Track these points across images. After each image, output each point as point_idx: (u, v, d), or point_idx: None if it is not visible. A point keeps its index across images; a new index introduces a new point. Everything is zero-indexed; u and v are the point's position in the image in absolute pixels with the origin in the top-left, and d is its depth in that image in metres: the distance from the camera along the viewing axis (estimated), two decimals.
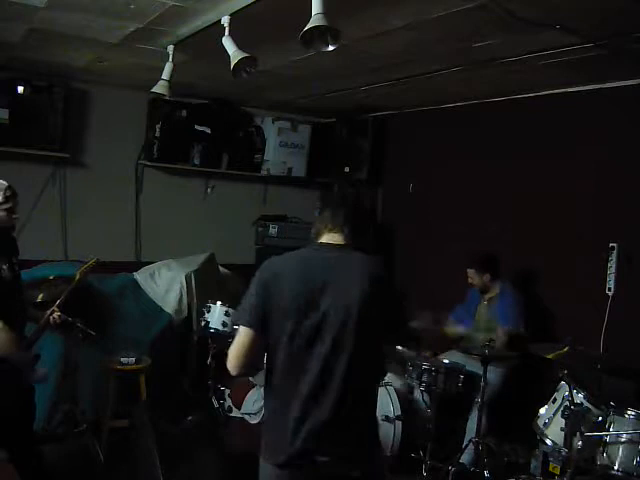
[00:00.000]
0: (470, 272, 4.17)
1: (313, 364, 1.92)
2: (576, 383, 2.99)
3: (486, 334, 4.06)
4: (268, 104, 5.65)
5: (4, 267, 2.87)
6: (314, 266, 2.01)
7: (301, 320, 1.92)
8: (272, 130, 5.74)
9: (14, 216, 2.94)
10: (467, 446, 3.75)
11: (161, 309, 4.73)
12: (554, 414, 3.06)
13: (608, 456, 2.81)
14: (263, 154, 5.80)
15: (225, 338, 4.33)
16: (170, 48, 3.46)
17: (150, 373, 4.14)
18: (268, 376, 2.02)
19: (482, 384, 3.65)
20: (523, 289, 4.20)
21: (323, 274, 1.98)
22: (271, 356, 1.99)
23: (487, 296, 4.22)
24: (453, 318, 4.39)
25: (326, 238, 2.10)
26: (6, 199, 2.85)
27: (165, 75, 3.47)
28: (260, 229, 5.86)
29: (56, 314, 3.13)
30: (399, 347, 3.84)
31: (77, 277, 3.35)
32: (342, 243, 2.08)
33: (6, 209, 2.87)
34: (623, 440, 2.80)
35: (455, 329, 4.33)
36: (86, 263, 3.46)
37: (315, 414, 1.91)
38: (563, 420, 2.91)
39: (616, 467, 2.78)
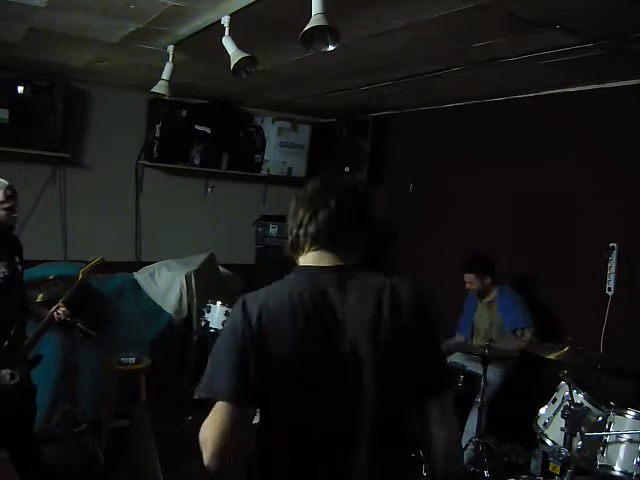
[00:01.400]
0: (469, 277, 4.13)
1: (326, 432, 1.41)
2: (576, 383, 2.99)
3: (485, 336, 4.06)
4: (268, 104, 5.65)
5: (2, 264, 2.87)
6: (305, 308, 1.40)
7: (306, 383, 1.39)
8: (272, 130, 5.75)
9: (14, 215, 2.94)
10: (467, 446, 3.75)
11: (161, 309, 4.74)
12: (554, 414, 3.06)
13: (608, 456, 2.81)
14: (263, 154, 5.80)
15: None
16: (170, 48, 3.45)
17: (150, 373, 4.14)
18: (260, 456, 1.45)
19: (482, 384, 3.65)
20: (523, 289, 4.20)
21: (321, 322, 1.40)
22: (263, 431, 1.43)
23: (486, 299, 4.21)
24: (460, 331, 4.38)
25: (311, 258, 1.49)
26: (6, 198, 2.86)
27: (165, 75, 3.47)
28: (260, 229, 5.86)
29: (61, 310, 3.13)
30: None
31: (80, 276, 3.35)
32: (341, 264, 1.49)
33: (6, 208, 2.87)
34: (623, 440, 2.80)
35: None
36: (89, 262, 3.45)
37: None
38: (563, 420, 2.91)
39: (616, 467, 2.78)
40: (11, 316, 2.89)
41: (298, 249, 1.51)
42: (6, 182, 2.89)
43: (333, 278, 1.46)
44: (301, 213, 1.50)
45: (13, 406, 2.87)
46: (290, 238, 1.52)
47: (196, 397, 1.42)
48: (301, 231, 1.49)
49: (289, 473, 1.41)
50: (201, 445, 1.38)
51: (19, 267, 3.01)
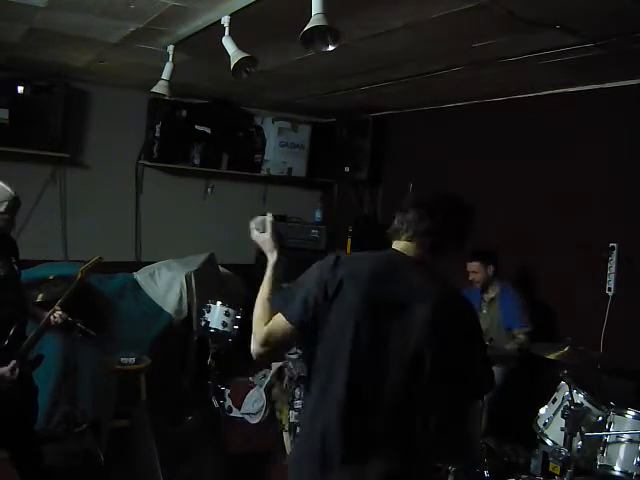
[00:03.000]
0: (474, 265, 4.13)
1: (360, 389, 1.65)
2: (576, 383, 2.99)
3: (487, 336, 4.06)
4: (268, 104, 5.65)
5: None
6: (386, 282, 1.69)
7: (362, 339, 1.64)
8: (272, 130, 5.75)
9: (11, 224, 2.95)
10: None
11: (161, 309, 4.73)
12: (554, 414, 3.06)
13: (608, 456, 2.81)
14: (263, 154, 5.81)
15: (225, 338, 4.35)
16: (170, 48, 3.46)
17: (150, 373, 4.14)
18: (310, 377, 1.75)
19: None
20: (523, 289, 4.20)
21: (394, 295, 1.68)
22: (315, 362, 1.71)
23: (487, 297, 4.21)
24: None
25: (404, 246, 1.78)
26: (7, 210, 2.85)
27: (165, 75, 3.47)
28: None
29: (57, 313, 3.12)
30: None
31: (79, 276, 3.35)
32: (423, 260, 1.77)
33: (6, 219, 2.88)
34: (623, 440, 2.80)
35: None
36: (88, 261, 3.45)
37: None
38: (563, 420, 2.91)
39: (616, 467, 2.78)
40: (10, 316, 2.89)
41: (397, 235, 1.80)
42: (13, 193, 2.88)
43: (409, 266, 1.74)
44: (412, 213, 1.79)
45: (14, 406, 2.87)
46: (395, 226, 1.81)
47: (272, 305, 1.73)
48: (405, 226, 1.78)
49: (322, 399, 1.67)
50: (257, 340, 1.70)
51: (15, 267, 3.01)
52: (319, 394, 1.69)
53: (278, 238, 1.86)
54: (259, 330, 1.70)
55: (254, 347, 1.70)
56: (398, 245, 1.79)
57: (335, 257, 1.72)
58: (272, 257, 1.86)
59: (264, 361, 1.67)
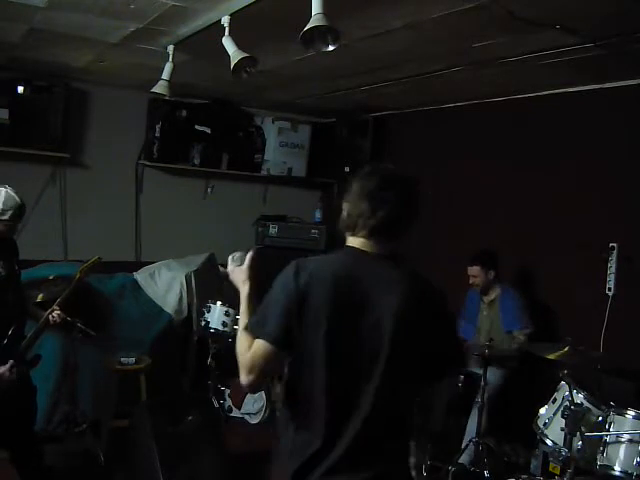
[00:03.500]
0: (474, 270, 4.12)
1: (341, 392, 1.64)
2: (576, 383, 2.99)
3: (486, 337, 4.06)
4: (268, 104, 5.65)
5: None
6: (351, 280, 1.66)
7: (335, 341, 1.62)
8: (272, 130, 5.74)
9: (13, 230, 2.96)
10: (467, 446, 3.75)
11: (161, 309, 4.73)
12: (554, 414, 3.06)
13: (608, 456, 2.81)
14: (263, 154, 5.80)
15: (225, 338, 4.34)
16: (170, 48, 3.46)
17: (150, 373, 4.14)
18: (292, 397, 1.72)
19: (482, 384, 3.65)
20: (523, 289, 4.20)
21: (361, 291, 1.65)
22: (293, 373, 1.70)
23: (487, 298, 4.21)
24: (460, 327, 4.38)
25: (362, 243, 1.73)
26: (12, 218, 2.87)
27: (165, 75, 3.47)
28: (260, 229, 5.85)
29: (55, 313, 3.13)
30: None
31: (78, 275, 3.35)
32: (383, 253, 1.73)
33: (7, 225, 2.89)
34: (623, 440, 2.80)
35: None
36: (87, 261, 3.46)
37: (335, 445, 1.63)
38: (563, 420, 2.91)
39: (616, 467, 2.78)
40: (9, 315, 2.89)
41: (350, 230, 1.75)
42: (19, 201, 2.89)
43: (371, 262, 1.70)
44: (364, 206, 1.70)
45: (13, 406, 2.87)
46: (346, 220, 1.75)
47: (249, 332, 1.69)
48: (360, 221, 1.71)
49: (303, 410, 1.66)
50: (243, 369, 1.66)
51: (16, 268, 3.02)
52: (302, 404, 1.67)
53: (257, 271, 1.82)
54: (242, 359, 1.66)
55: (242, 378, 1.66)
56: (355, 242, 1.74)
57: (295, 265, 1.67)
58: (244, 289, 1.83)
59: (256, 389, 1.57)
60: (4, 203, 2.81)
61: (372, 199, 1.69)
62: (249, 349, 1.65)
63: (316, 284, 1.63)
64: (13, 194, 2.86)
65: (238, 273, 1.84)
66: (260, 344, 1.63)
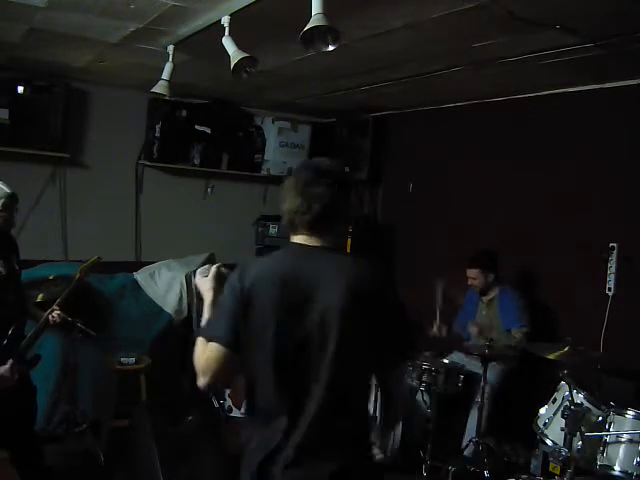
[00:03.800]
0: (473, 272, 4.13)
1: (294, 386, 1.69)
2: (576, 383, 3.00)
3: (485, 335, 4.07)
4: (268, 104, 5.65)
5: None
6: (295, 275, 1.71)
7: (283, 338, 1.67)
8: (272, 130, 5.74)
9: (11, 222, 2.95)
10: (467, 446, 3.75)
11: (161, 309, 4.73)
12: (554, 414, 3.06)
13: (608, 456, 2.82)
14: (263, 154, 5.80)
15: None
16: (170, 48, 3.46)
17: (150, 373, 4.14)
18: (250, 393, 1.77)
19: (482, 384, 3.66)
20: (523, 289, 4.20)
21: (306, 285, 1.69)
22: (248, 374, 1.75)
23: (486, 298, 4.21)
24: (458, 323, 4.38)
25: (304, 238, 1.78)
26: (4, 207, 2.86)
27: (165, 75, 3.47)
28: (260, 229, 5.86)
29: (55, 313, 3.13)
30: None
31: (78, 275, 3.35)
32: (325, 245, 1.77)
33: (3, 217, 2.88)
34: (623, 440, 2.80)
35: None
36: (87, 261, 3.46)
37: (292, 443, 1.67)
38: (563, 420, 2.91)
39: (616, 467, 2.79)
40: (9, 315, 2.89)
41: (292, 229, 1.80)
42: (8, 190, 2.89)
43: (314, 256, 1.75)
44: (298, 202, 1.74)
45: (13, 406, 2.87)
46: (287, 218, 1.79)
47: (196, 335, 1.76)
48: (297, 216, 1.75)
49: (262, 408, 1.73)
50: (199, 373, 1.72)
51: (16, 267, 3.02)
52: (259, 401, 1.73)
53: (221, 282, 1.87)
54: (197, 363, 1.73)
55: (198, 380, 1.73)
56: (297, 238, 1.78)
57: (240, 268, 1.74)
58: (207, 297, 1.89)
59: (211, 390, 1.66)
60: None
61: (305, 194, 1.73)
62: (204, 353, 1.72)
63: (260, 284, 1.69)
64: (1, 185, 2.87)
65: (203, 283, 1.93)
66: (212, 347, 1.70)
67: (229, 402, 4.65)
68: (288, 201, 1.76)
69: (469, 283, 4.18)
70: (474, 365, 3.90)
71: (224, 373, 1.72)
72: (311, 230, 1.75)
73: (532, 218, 4.36)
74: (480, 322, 4.22)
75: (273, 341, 1.66)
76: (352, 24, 2.90)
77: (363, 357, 1.74)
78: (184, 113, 5.33)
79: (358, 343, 1.71)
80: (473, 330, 4.16)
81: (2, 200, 2.84)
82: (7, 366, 2.76)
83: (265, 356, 1.67)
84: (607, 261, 3.83)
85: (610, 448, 2.83)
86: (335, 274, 1.72)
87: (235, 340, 1.69)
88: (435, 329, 4.20)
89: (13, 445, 3.00)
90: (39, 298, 3.64)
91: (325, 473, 1.66)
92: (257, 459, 1.69)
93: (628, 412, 2.85)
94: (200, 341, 1.75)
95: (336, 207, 1.75)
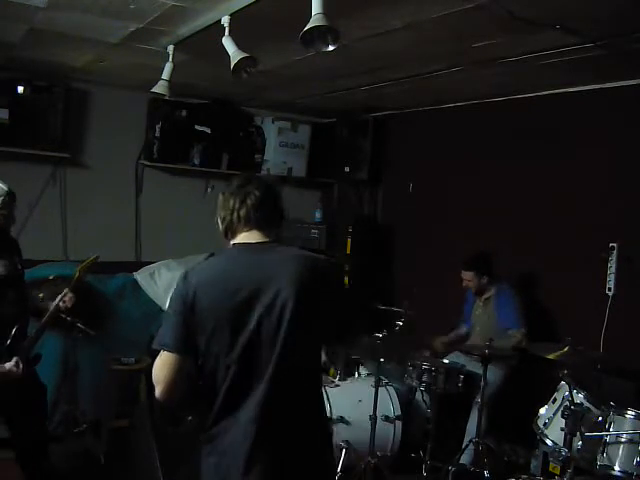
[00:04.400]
0: (468, 275, 4.15)
1: (249, 384, 1.72)
2: (576, 383, 2.99)
3: (483, 335, 4.07)
4: (268, 104, 5.65)
5: (2, 263, 2.89)
6: (239, 273, 1.75)
7: (231, 338, 1.70)
8: (272, 130, 5.74)
9: (10, 219, 2.97)
10: (467, 446, 3.75)
11: (161, 309, 4.73)
12: (554, 414, 3.06)
13: (608, 456, 2.81)
14: (263, 154, 5.80)
15: None
16: (170, 48, 3.45)
17: (150, 373, 4.13)
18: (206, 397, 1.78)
19: (482, 384, 3.65)
20: (523, 289, 4.20)
21: (251, 281, 1.72)
22: (204, 378, 1.76)
23: (482, 297, 4.22)
24: (466, 325, 4.41)
25: (243, 237, 1.83)
26: (3, 205, 2.88)
27: (165, 75, 3.47)
28: None
29: (68, 296, 3.16)
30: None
31: (77, 275, 3.36)
32: (265, 240, 1.83)
33: (3, 215, 2.89)
34: (623, 440, 2.80)
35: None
36: (85, 261, 3.47)
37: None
38: (563, 420, 2.91)
39: (616, 467, 2.78)
40: (12, 315, 2.90)
41: (231, 232, 1.84)
42: (5, 188, 2.90)
43: (257, 251, 1.79)
44: (231, 201, 1.81)
45: (25, 404, 2.92)
46: (223, 225, 1.84)
47: (153, 347, 1.79)
48: (234, 215, 1.81)
49: (216, 408, 1.74)
50: (154, 384, 1.75)
51: (19, 267, 3.03)
52: (214, 402, 1.75)
53: None
54: (153, 373, 1.76)
55: (158, 395, 1.75)
56: (239, 239, 1.83)
57: (184, 274, 1.77)
58: None
59: (169, 401, 1.74)
60: None
61: (237, 194, 1.82)
62: (157, 363, 1.76)
63: (203, 288, 1.71)
64: None
65: None
66: (164, 355, 1.73)
67: None
68: (222, 209, 1.84)
69: (464, 285, 4.21)
70: (474, 365, 3.90)
71: (177, 379, 1.72)
72: (249, 224, 1.81)
73: (532, 218, 4.36)
74: (476, 320, 4.25)
75: (219, 342, 1.69)
76: (352, 24, 2.90)
77: (311, 343, 1.82)
78: (184, 113, 5.33)
79: (306, 330, 1.76)
80: (437, 346, 4.33)
81: (1, 198, 2.85)
82: (12, 362, 2.78)
83: (215, 358, 1.70)
84: (607, 261, 3.83)
85: (610, 448, 2.82)
86: (280, 265, 1.76)
87: (183, 345, 1.71)
88: (436, 346, 4.35)
89: (22, 443, 3.03)
90: (40, 298, 3.65)
91: (284, 467, 1.72)
92: (215, 460, 1.75)
93: (628, 412, 2.84)
94: (159, 354, 1.78)
95: (269, 200, 1.83)
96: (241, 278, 1.73)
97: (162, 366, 1.73)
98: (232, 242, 1.85)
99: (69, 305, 3.15)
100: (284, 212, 1.92)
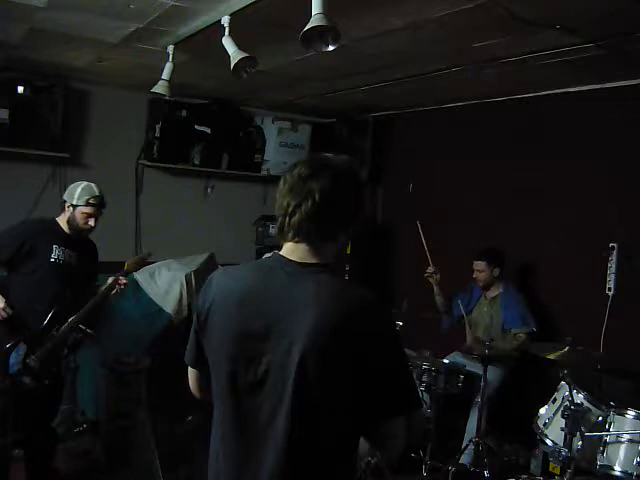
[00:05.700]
0: (480, 264, 4.15)
1: (247, 428, 1.44)
2: (576, 383, 2.99)
3: (484, 332, 4.07)
4: (268, 104, 5.65)
5: (62, 249, 3.16)
6: (259, 294, 1.42)
7: (237, 372, 1.43)
8: (272, 130, 5.74)
9: (89, 224, 3.23)
10: (467, 446, 3.75)
11: (161, 309, 4.73)
12: (554, 414, 3.06)
13: (608, 456, 2.81)
14: (263, 154, 5.80)
15: None
16: (170, 48, 3.46)
17: (150, 373, 4.14)
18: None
19: (482, 384, 3.66)
20: (523, 289, 4.21)
21: (269, 308, 1.39)
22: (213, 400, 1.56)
23: (489, 294, 4.22)
24: (454, 302, 4.37)
25: (289, 248, 1.47)
26: (87, 203, 3.15)
27: (165, 75, 3.47)
28: (260, 229, 5.86)
29: (123, 280, 3.45)
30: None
31: (125, 267, 3.61)
32: (310, 262, 1.44)
33: (85, 213, 3.17)
34: (623, 440, 2.80)
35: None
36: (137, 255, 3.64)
37: None
38: (563, 420, 2.91)
39: (616, 467, 2.79)
40: (51, 299, 3.09)
41: (282, 236, 1.48)
42: (97, 191, 3.20)
43: (290, 273, 1.42)
44: (286, 201, 1.43)
45: (43, 396, 3.00)
46: (277, 224, 1.48)
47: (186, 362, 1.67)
48: (286, 220, 1.44)
49: (220, 428, 1.53)
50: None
51: (91, 269, 3.39)
52: (216, 433, 1.57)
53: None
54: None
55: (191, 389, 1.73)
56: (284, 248, 1.48)
57: (207, 282, 1.56)
58: None
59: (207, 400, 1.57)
60: (87, 192, 3.16)
61: (294, 191, 1.42)
62: None
63: (217, 302, 1.48)
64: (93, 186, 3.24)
65: None
66: (189, 368, 1.68)
67: None
68: (277, 203, 1.47)
69: (474, 276, 4.20)
70: (474, 365, 3.90)
71: (203, 386, 1.64)
72: (298, 236, 1.43)
73: (532, 218, 4.36)
74: (480, 318, 4.24)
75: (226, 372, 1.44)
76: (352, 24, 2.90)
77: (333, 402, 1.35)
78: (184, 113, 5.32)
79: (326, 386, 1.34)
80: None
81: (86, 197, 3.15)
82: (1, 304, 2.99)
83: (222, 386, 1.47)
84: (607, 261, 3.84)
85: (610, 448, 2.82)
86: (307, 301, 1.36)
87: (197, 361, 1.58)
88: (430, 271, 4.34)
89: (35, 444, 3.05)
90: None
91: None
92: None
93: (628, 412, 2.85)
94: None
95: (331, 208, 1.42)
96: (257, 301, 1.41)
97: (189, 375, 1.69)
98: (281, 244, 1.51)
99: (123, 287, 3.46)
100: (353, 217, 1.48)
